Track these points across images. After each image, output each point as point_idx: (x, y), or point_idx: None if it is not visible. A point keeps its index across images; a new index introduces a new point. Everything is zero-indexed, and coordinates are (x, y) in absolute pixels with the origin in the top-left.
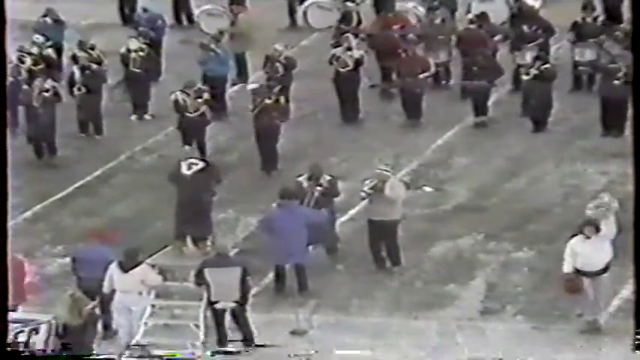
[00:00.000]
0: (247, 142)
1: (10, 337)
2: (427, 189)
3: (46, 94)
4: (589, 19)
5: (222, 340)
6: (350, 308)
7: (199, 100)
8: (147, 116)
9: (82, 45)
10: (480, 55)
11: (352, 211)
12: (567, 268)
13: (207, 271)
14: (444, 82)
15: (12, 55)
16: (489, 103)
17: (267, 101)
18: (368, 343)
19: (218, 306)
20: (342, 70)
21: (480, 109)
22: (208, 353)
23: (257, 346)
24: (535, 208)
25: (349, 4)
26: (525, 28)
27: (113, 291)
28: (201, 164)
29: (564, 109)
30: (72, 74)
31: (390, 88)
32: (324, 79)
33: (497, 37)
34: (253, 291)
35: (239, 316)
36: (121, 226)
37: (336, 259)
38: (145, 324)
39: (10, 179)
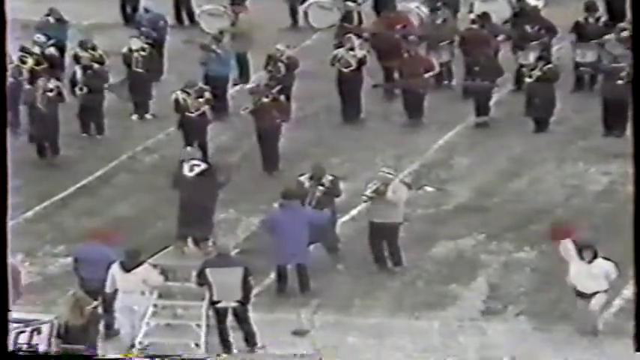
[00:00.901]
0: (249, 143)
1: (12, 337)
2: (429, 189)
3: (49, 94)
4: (591, 20)
5: (224, 340)
6: (352, 308)
7: (200, 100)
8: (148, 116)
9: (83, 44)
10: (482, 56)
11: (354, 212)
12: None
13: (208, 271)
14: (445, 82)
15: (14, 54)
16: (491, 103)
17: (265, 100)
18: (370, 343)
19: (220, 306)
20: (345, 70)
21: (481, 109)
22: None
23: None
24: (536, 209)
25: (350, 3)
26: (528, 28)
27: (115, 291)
28: (203, 166)
29: (565, 110)
30: (74, 74)
31: (392, 88)
32: (326, 79)
33: (499, 37)
34: (255, 291)
35: (241, 316)
36: (123, 225)
37: (338, 259)
38: (147, 324)
39: (10, 179)
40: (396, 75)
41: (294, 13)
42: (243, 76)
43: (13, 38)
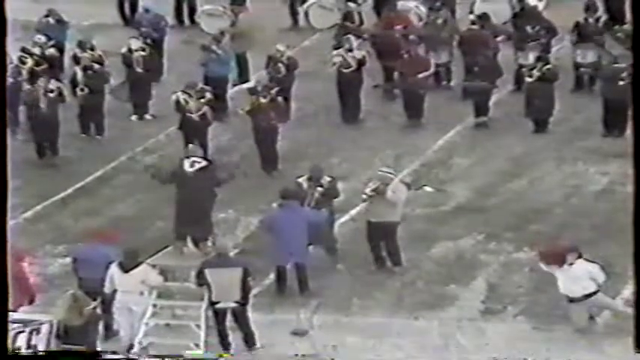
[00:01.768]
0: (248, 143)
1: (11, 338)
2: (428, 189)
3: (50, 95)
4: (591, 20)
5: (223, 340)
6: (351, 308)
7: (201, 101)
8: (147, 116)
9: (81, 45)
10: (482, 56)
11: (353, 212)
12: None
13: (207, 272)
14: (445, 82)
15: (13, 55)
16: (490, 103)
17: (263, 100)
18: (369, 344)
19: (219, 306)
20: (344, 70)
21: (481, 109)
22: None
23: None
24: (536, 209)
25: (351, 4)
26: (528, 28)
27: (114, 291)
28: (204, 162)
29: (565, 110)
30: (74, 74)
31: (393, 89)
32: (325, 80)
33: (499, 38)
34: (254, 291)
35: (240, 317)
36: (122, 226)
37: (337, 259)
38: (146, 324)
39: (10, 179)
40: (395, 75)
41: (294, 13)
42: (243, 76)
43: (14, 39)
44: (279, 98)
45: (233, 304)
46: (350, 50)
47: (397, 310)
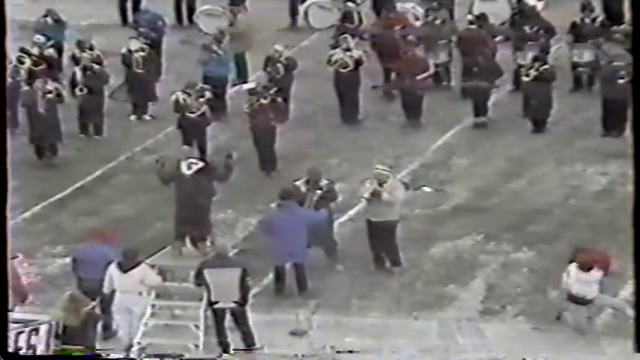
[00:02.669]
0: (247, 143)
1: (12, 338)
2: (427, 189)
3: (49, 96)
4: (588, 20)
5: (222, 340)
6: (350, 308)
7: (201, 100)
8: (146, 116)
9: (80, 45)
10: (480, 56)
11: (351, 212)
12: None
13: (206, 272)
14: (444, 82)
15: (12, 55)
16: (489, 103)
17: (263, 101)
18: (368, 344)
19: (218, 306)
20: (342, 70)
21: (479, 109)
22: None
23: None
24: (535, 209)
25: (350, 4)
26: (527, 28)
27: (113, 291)
28: (200, 164)
29: (564, 110)
30: (73, 75)
31: (392, 89)
32: (324, 80)
33: (498, 38)
34: (253, 291)
35: (239, 317)
36: (121, 226)
37: (336, 260)
38: (145, 324)
39: (10, 179)
40: (394, 75)
41: (293, 13)
42: (242, 76)
43: (12, 39)
44: (279, 98)
45: (232, 305)
46: (348, 50)
47: (396, 311)
